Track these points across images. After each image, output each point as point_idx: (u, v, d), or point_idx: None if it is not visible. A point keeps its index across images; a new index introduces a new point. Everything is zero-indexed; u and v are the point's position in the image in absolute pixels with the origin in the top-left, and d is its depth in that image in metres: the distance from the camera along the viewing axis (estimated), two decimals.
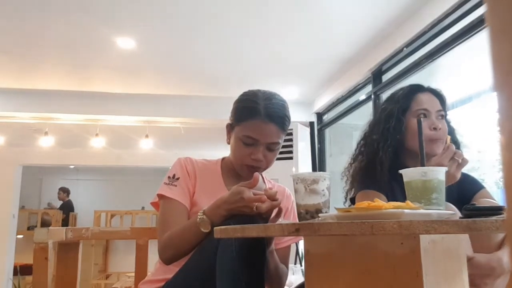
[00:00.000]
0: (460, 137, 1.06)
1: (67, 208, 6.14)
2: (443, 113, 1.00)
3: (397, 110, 1.02)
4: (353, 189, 1.04)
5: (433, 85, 1.08)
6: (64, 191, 6.30)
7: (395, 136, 1.00)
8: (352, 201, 1.03)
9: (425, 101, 1.01)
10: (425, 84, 1.08)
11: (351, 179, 1.05)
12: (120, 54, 2.69)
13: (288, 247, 1.04)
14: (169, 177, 0.96)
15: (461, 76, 2.22)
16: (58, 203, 6.26)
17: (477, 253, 0.77)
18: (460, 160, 0.86)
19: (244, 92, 0.99)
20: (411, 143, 0.99)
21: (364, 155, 1.04)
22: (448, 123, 1.03)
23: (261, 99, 0.93)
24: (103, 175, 7.06)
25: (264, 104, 0.92)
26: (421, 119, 0.78)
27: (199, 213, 0.84)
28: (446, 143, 0.93)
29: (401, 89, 1.06)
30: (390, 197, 0.92)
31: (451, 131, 1.03)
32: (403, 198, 0.65)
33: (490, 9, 0.22)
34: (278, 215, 0.83)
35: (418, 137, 0.75)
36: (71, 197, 6.47)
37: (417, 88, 1.04)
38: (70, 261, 1.14)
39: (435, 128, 0.97)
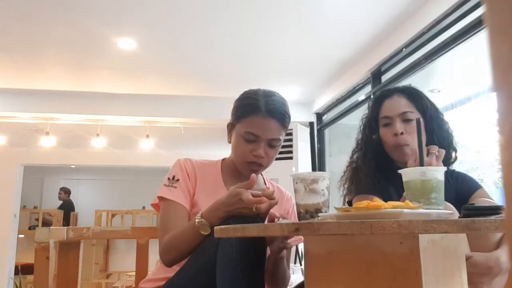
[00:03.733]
0: (455, 137, 1.05)
1: (67, 207, 6.15)
2: (409, 114, 0.98)
3: (368, 120, 1.05)
4: (349, 195, 1.05)
5: (432, 86, 1.08)
6: (66, 191, 6.31)
7: (371, 145, 1.02)
8: (350, 204, 1.04)
9: (388, 108, 1.01)
10: (424, 84, 1.08)
11: (348, 183, 1.06)
12: (121, 54, 2.69)
13: (289, 249, 1.04)
14: (168, 179, 0.96)
15: (460, 76, 2.22)
16: (59, 203, 6.28)
17: (475, 252, 0.77)
18: (437, 152, 0.86)
19: (244, 91, 0.99)
20: (388, 150, 1.01)
21: (353, 163, 1.07)
22: (433, 118, 1.01)
23: (261, 96, 0.94)
24: (104, 175, 7.06)
25: (265, 100, 0.93)
26: (419, 119, 0.78)
27: (197, 216, 0.84)
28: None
29: (374, 97, 1.09)
30: (387, 199, 0.93)
31: (440, 126, 1.01)
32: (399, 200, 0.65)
33: (489, 9, 0.22)
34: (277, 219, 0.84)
35: (418, 138, 0.75)
36: (72, 197, 6.47)
37: (384, 95, 1.05)
38: (71, 260, 1.14)
39: (395, 134, 0.97)
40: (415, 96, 1.02)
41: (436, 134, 1.00)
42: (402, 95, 1.02)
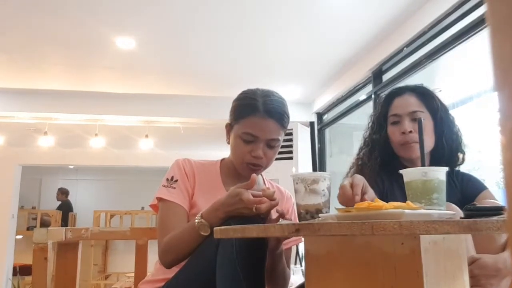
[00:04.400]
0: (462, 140, 1.04)
1: (66, 208, 6.12)
2: (418, 114, 0.98)
3: (377, 118, 1.05)
4: None
5: (433, 85, 1.08)
6: (63, 192, 6.28)
7: (377, 142, 1.02)
8: None
9: (397, 106, 1.01)
10: (425, 84, 1.07)
11: None
12: (120, 54, 2.69)
13: (289, 249, 1.04)
14: (167, 179, 0.95)
15: (462, 76, 2.22)
16: (57, 203, 6.26)
17: (482, 254, 0.77)
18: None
19: (243, 91, 0.98)
20: (394, 148, 1.01)
21: (359, 160, 1.07)
22: (443, 120, 1.00)
23: (259, 96, 0.93)
24: (103, 175, 7.05)
25: (263, 100, 0.92)
26: (421, 118, 0.78)
27: (197, 217, 0.84)
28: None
29: (384, 94, 1.08)
30: (390, 198, 0.93)
31: (450, 128, 1.00)
32: (403, 199, 0.65)
33: (491, 8, 0.22)
34: (277, 218, 0.83)
35: (419, 137, 0.75)
36: (70, 197, 6.46)
37: (395, 93, 1.04)
38: (70, 261, 1.13)
39: (403, 133, 0.97)
40: (426, 96, 1.01)
41: (445, 136, 1.00)
42: (413, 94, 1.01)
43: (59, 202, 6.23)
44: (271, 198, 0.80)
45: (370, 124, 1.08)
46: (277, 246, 0.89)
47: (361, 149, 1.08)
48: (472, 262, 0.74)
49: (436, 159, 0.99)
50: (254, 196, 0.79)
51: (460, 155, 1.02)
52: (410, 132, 0.96)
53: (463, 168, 1.07)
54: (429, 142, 0.97)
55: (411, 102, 1.00)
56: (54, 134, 3.86)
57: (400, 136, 0.97)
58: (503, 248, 0.79)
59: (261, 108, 0.91)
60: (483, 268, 0.74)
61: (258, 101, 0.92)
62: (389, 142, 1.02)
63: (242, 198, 0.78)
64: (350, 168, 1.08)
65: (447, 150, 0.99)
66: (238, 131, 0.94)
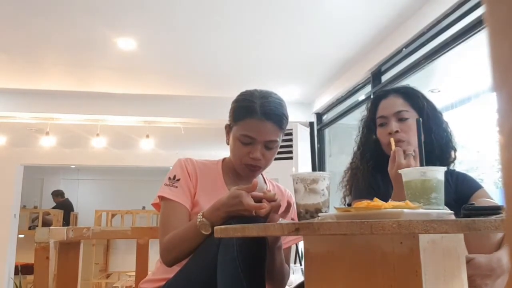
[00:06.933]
0: (454, 137, 1.05)
1: (65, 207, 6.11)
2: (404, 113, 0.99)
3: (366, 121, 1.07)
4: (350, 196, 1.07)
5: (432, 86, 1.09)
6: (57, 194, 6.23)
7: (369, 145, 1.04)
8: (350, 205, 1.05)
9: (383, 107, 1.03)
10: (424, 84, 1.09)
11: (348, 185, 1.08)
12: (121, 54, 2.69)
13: (288, 248, 1.04)
14: (169, 178, 0.96)
15: (460, 76, 2.23)
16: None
17: (476, 253, 0.77)
18: (413, 153, 0.87)
19: (241, 92, 0.99)
20: (384, 149, 1.02)
21: (353, 164, 1.09)
22: (430, 117, 1.01)
23: (257, 98, 0.94)
24: (104, 175, 7.06)
25: (261, 102, 0.92)
26: (419, 119, 0.78)
27: (198, 216, 0.84)
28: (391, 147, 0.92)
29: (371, 98, 1.10)
30: (387, 199, 0.94)
31: (438, 125, 1.01)
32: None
33: (489, 9, 0.22)
34: (278, 217, 0.84)
35: (418, 137, 0.76)
36: (72, 197, 6.45)
37: (380, 96, 1.06)
38: (71, 260, 1.14)
39: (390, 133, 0.98)
40: (411, 95, 1.02)
41: (434, 133, 1.00)
42: (398, 95, 1.03)
43: (60, 202, 6.22)
44: (272, 200, 0.80)
45: (360, 128, 1.10)
46: (276, 240, 0.90)
47: (354, 154, 1.10)
48: (466, 262, 0.74)
49: (426, 156, 0.99)
50: (254, 197, 0.79)
51: (452, 152, 1.02)
52: (397, 132, 0.97)
53: (462, 168, 1.07)
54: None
55: (396, 103, 1.01)
56: (55, 134, 3.86)
57: (387, 137, 0.98)
58: (496, 247, 0.79)
59: (258, 110, 0.91)
60: (477, 268, 0.74)
61: (256, 103, 0.92)
62: (380, 145, 1.03)
63: (242, 201, 0.78)
64: (345, 173, 1.10)
65: (436, 146, 0.99)
66: (236, 133, 0.94)
